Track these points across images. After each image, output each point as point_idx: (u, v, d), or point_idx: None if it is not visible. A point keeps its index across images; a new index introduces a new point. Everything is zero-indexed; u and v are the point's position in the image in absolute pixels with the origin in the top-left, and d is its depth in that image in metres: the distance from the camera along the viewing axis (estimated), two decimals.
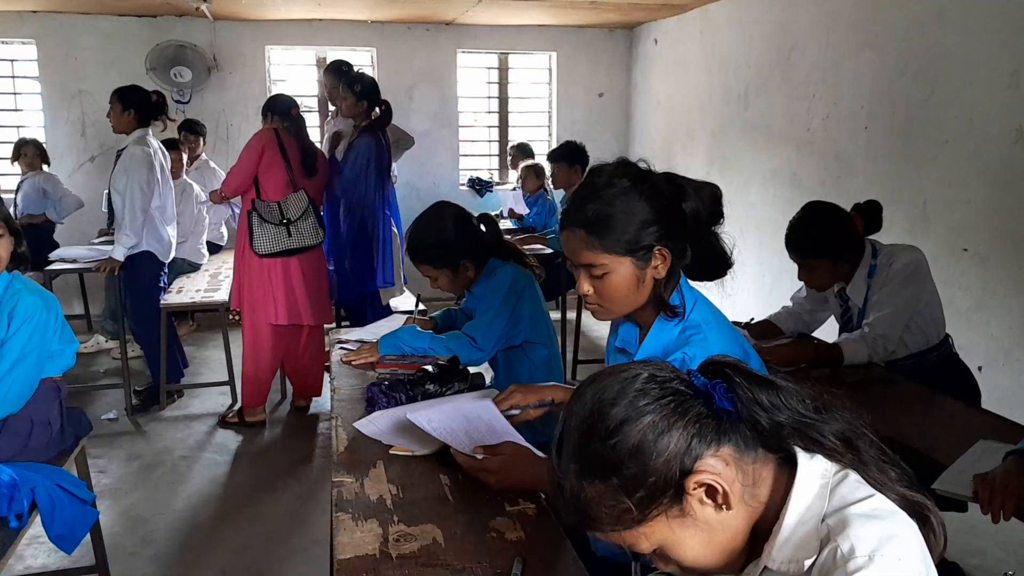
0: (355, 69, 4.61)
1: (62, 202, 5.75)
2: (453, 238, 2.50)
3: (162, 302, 4.43)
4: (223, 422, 4.32)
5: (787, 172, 4.95)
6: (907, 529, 0.89)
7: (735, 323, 2.89)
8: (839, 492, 0.92)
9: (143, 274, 4.36)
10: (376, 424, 1.97)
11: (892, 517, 0.89)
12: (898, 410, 2.23)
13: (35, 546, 3.03)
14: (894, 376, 2.50)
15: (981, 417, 2.24)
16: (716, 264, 1.57)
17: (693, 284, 1.61)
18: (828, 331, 2.93)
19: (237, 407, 4.40)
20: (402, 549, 1.45)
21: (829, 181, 4.54)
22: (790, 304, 2.95)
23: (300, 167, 4.13)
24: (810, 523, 0.91)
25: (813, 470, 0.94)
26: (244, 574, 2.94)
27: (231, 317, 4.55)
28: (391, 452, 1.86)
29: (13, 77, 6.44)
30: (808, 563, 0.89)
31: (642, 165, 1.55)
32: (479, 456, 1.68)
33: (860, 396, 2.26)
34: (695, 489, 0.92)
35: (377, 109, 4.30)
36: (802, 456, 0.95)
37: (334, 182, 4.30)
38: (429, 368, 2.27)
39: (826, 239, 2.54)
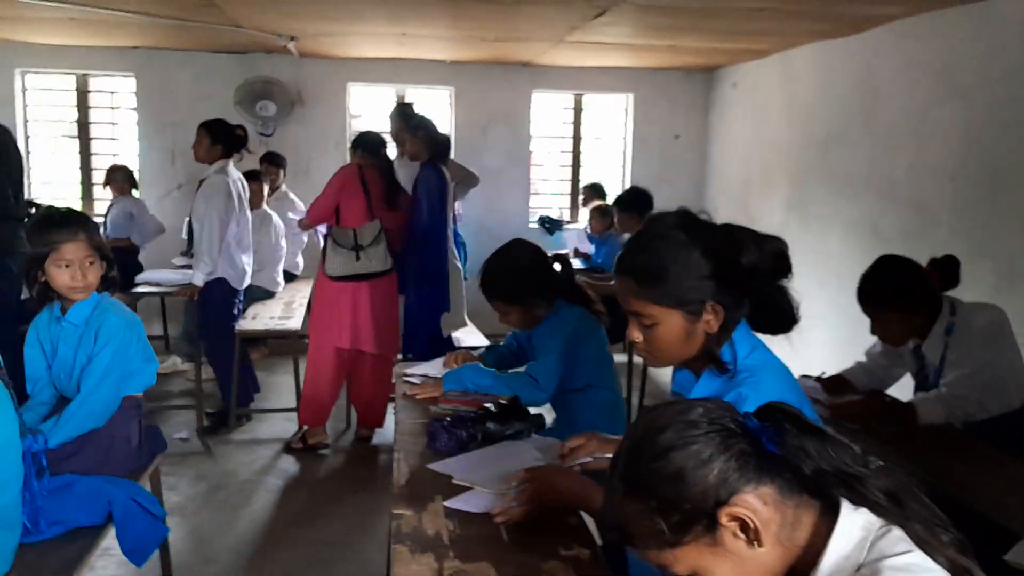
0: (415, 110, 4.77)
1: (146, 226, 6.02)
2: (528, 275, 2.51)
3: (236, 328, 4.56)
4: (288, 448, 4.40)
5: (868, 222, 4.82)
6: None
7: (806, 376, 2.82)
8: (879, 546, 0.92)
9: (217, 299, 4.50)
10: (446, 467, 1.98)
11: (926, 573, 0.89)
12: (973, 474, 2.12)
13: (106, 557, 3.11)
14: (971, 439, 2.38)
15: None
16: (779, 319, 1.55)
17: (758, 334, 1.58)
18: (902, 390, 2.82)
19: (302, 432, 4.48)
20: None
21: (912, 233, 4.40)
22: (864, 359, 2.86)
23: (382, 201, 4.30)
24: (846, 572, 0.92)
25: (856, 520, 0.95)
26: None
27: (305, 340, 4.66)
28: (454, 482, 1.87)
29: (112, 108, 6.82)
30: None
31: (703, 216, 1.54)
32: (514, 485, 1.68)
33: (933, 457, 2.18)
34: (728, 522, 0.95)
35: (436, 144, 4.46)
36: (846, 506, 0.96)
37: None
38: (490, 406, 2.27)
39: (897, 291, 2.49)
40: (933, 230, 4.21)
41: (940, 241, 4.13)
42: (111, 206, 6.05)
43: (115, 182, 6.00)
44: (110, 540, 2.19)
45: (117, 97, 6.84)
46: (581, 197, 6.83)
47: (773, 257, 1.52)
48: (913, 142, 4.40)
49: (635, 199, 5.08)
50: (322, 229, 4.79)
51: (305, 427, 4.46)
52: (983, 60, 3.90)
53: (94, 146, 6.82)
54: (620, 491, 1.00)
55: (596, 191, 6.61)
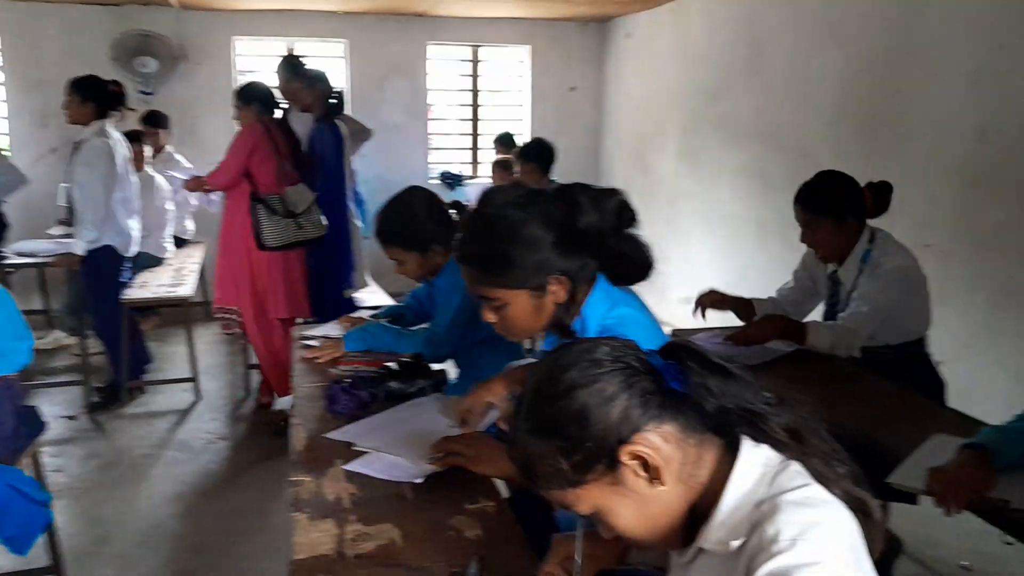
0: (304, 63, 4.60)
1: (2, 179, 5.54)
2: (424, 220, 2.46)
3: (124, 297, 4.35)
4: (275, 431, 4.08)
5: (755, 168, 4.97)
6: (837, 517, 0.90)
7: (709, 329, 2.87)
8: (778, 481, 0.94)
9: (104, 269, 4.27)
10: (346, 434, 1.93)
11: (823, 505, 0.91)
12: (861, 404, 2.24)
13: None
14: (860, 371, 2.51)
15: (940, 412, 2.26)
16: (634, 269, 1.56)
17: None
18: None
19: (274, 413, 4.28)
20: (359, 549, 1.43)
21: (797, 177, 4.53)
22: (775, 296, 2.94)
23: (290, 161, 4.09)
24: (745, 507, 0.93)
25: (755, 457, 0.96)
26: (205, 572, 2.90)
27: (228, 316, 4.24)
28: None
29: None
30: (736, 544, 0.92)
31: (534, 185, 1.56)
32: (433, 465, 1.68)
33: (825, 390, 2.30)
34: (630, 460, 0.95)
35: (329, 99, 4.30)
36: (746, 443, 0.97)
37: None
38: (392, 365, 2.25)
39: (835, 198, 2.58)
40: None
41: None
42: None
43: None
44: None
45: None
46: (493, 148, 6.72)
47: (614, 213, 1.53)
48: (797, 89, 4.54)
49: (538, 151, 5.07)
50: (214, 196, 4.58)
51: (277, 406, 4.30)
52: (859, 8, 4.05)
53: None
54: (524, 430, 1.00)
55: (505, 142, 6.55)
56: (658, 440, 0.95)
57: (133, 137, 4.81)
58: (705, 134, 5.55)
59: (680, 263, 5.58)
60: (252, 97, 4.13)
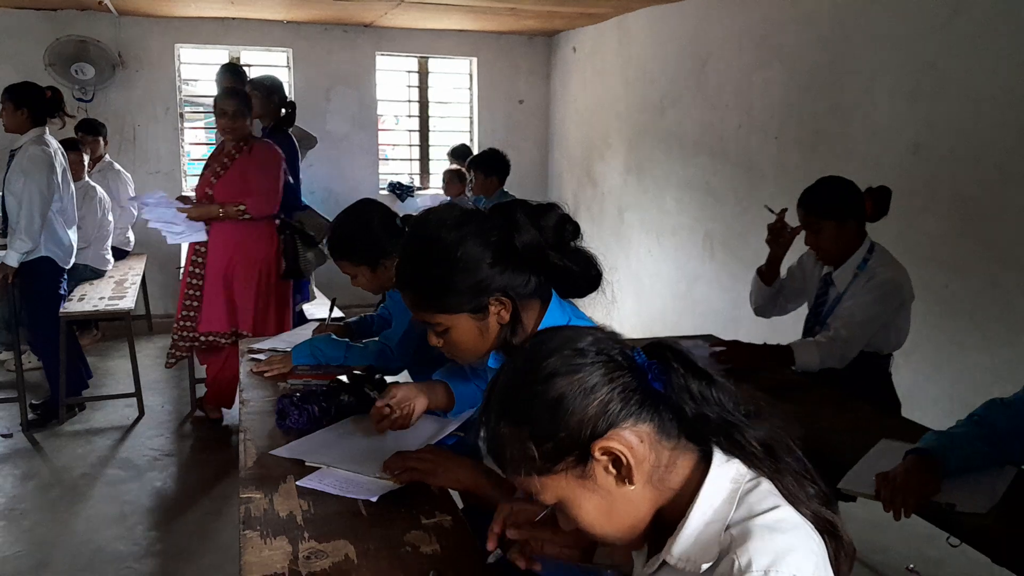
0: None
1: None
2: (377, 234, 2.44)
3: (62, 310, 4.21)
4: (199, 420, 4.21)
5: (701, 180, 5.07)
6: (807, 543, 0.89)
7: (695, 337, 2.89)
8: (748, 500, 0.92)
9: (41, 281, 4.13)
10: (295, 451, 1.89)
11: (794, 531, 0.89)
12: (813, 413, 2.29)
13: None
14: (810, 382, 2.57)
15: (886, 419, 2.32)
16: (582, 282, 1.54)
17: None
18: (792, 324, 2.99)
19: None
20: (312, 567, 1.40)
21: (742, 190, 4.67)
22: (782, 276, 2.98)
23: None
24: (714, 526, 0.92)
25: (725, 472, 0.95)
26: None
27: (220, 340, 4.05)
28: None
29: None
30: (705, 566, 0.90)
31: (468, 204, 1.55)
32: (389, 481, 1.66)
33: (774, 397, 2.33)
34: (602, 455, 0.93)
35: (283, 109, 4.26)
36: (718, 456, 0.96)
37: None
38: (343, 379, 2.21)
39: (839, 201, 2.64)
40: (761, 186, 4.49)
41: (766, 196, 4.39)
42: None
43: None
44: None
45: None
46: (448, 160, 6.70)
47: (553, 228, 1.51)
48: (740, 103, 4.65)
49: (492, 162, 5.08)
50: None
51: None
52: (798, 26, 4.16)
53: None
54: (497, 411, 0.98)
55: (459, 155, 6.51)
56: (633, 439, 0.93)
57: (71, 145, 4.68)
58: (651, 147, 5.63)
59: (628, 273, 5.65)
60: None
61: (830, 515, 0.95)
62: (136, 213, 5.42)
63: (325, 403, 2.06)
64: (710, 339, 2.92)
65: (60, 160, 4.15)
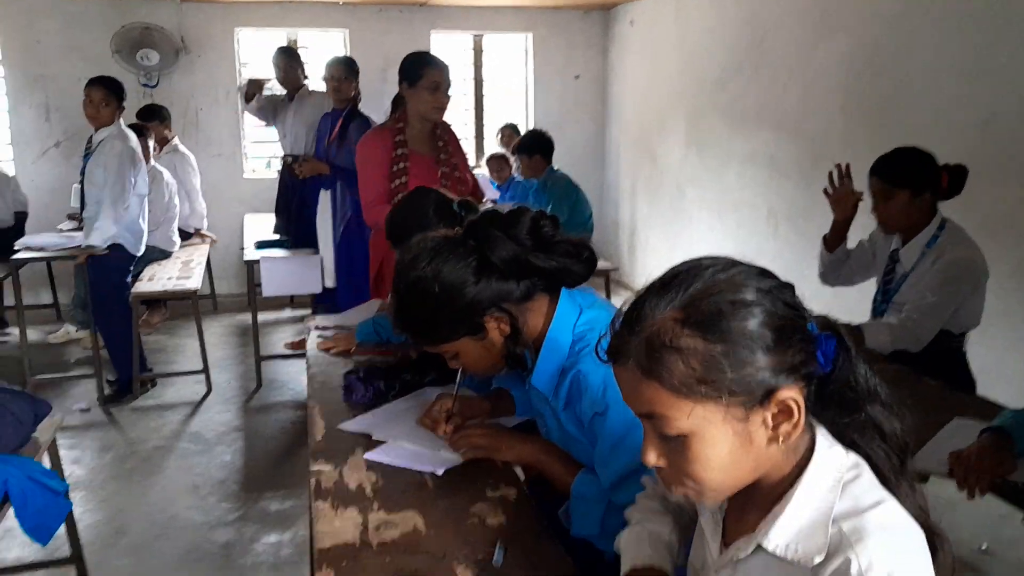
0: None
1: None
2: (433, 223, 2.46)
3: (133, 291, 4.36)
4: None
5: (764, 155, 4.96)
6: (920, 543, 0.86)
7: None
8: (852, 491, 0.88)
9: (112, 266, 4.27)
10: (361, 424, 1.93)
11: (906, 530, 0.86)
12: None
13: (8, 539, 2.98)
14: (882, 360, 2.50)
15: (960, 397, 2.25)
16: (576, 269, 1.53)
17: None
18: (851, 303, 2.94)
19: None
20: (383, 536, 1.43)
21: (806, 164, 4.56)
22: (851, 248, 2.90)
23: None
24: (818, 516, 0.88)
25: (830, 461, 0.90)
26: (221, 563, 2.91)
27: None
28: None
29: None
30: (818, 559, 0.85)
31: (440, 232, 1.55)
32: (455, 456, 1.68)
33: None
34: (776, 406, 0.87)
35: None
36: (823, 440, 0.92)
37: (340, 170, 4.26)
38: (410, 355, 2.25)
39: (913, 170, 2.56)
40: (825, 161, 4.36)
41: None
42: None
43: None
44: (10, 521, 2.09)
45: None
46: (501, 137, 6.70)
47: (528, 232, 1.50)
48: (803, 76, 4.53)
49: (537, 143, 5.06)
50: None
51: None
52: (859, 3, 4.03)
53: None
54: (673, 319, 0.89)
55: (516, 132, 6.51)
56: (802, 400, 0.88)
57: (138, 131, 4.81)
58: (712, 121, 5.53)
59: (688, 252, 5.54)
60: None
61: (937, 527, 0.91)
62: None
63: (389, 380, 2.10)
64: None
65: (139, 151, 4.28)
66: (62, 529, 2.39)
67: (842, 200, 2.79)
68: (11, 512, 2.06)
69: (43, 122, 6.17)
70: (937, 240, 2.56)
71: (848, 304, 3.13)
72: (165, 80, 6.28)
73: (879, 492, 0.89)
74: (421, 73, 3.21)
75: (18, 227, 5.45)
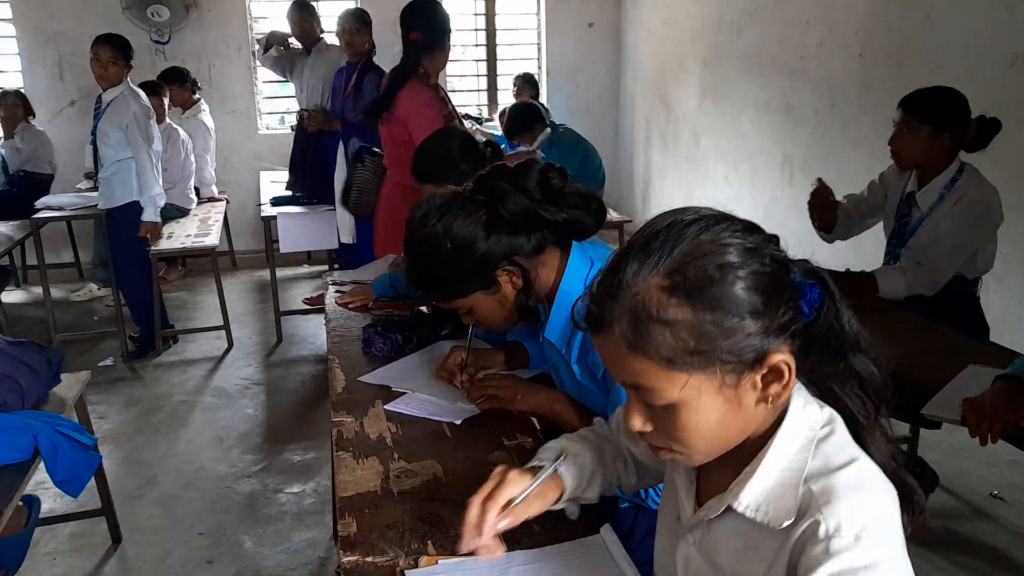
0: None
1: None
2: (457, 160, 2.47)
3: (153, 248, 4.40)
4: None
5: (780, 101, 4.89)
6: (890, 502, 0.84)
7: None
8: (824, 450, 0.86)
9: (130, 227, 4.29)
10: (381, 376, 1.97)
11: (877, 489, 0.84)
12: (895, 337, 2.21)
13: (40, 491, 3.06)
14: (893, 306, 2.50)
15: (974, 344, 2.25)
16: (587, 220, 1.52)
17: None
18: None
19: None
20: (403, 485, 1.47)
21: (823, 110, 4.49)
22: (843, 201, 2.86)
23: None
24: (789, 476, 0.85)
25: (803, 419, 0.88)
26: (247, 512, 3.00)
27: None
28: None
29: None
30: (787, 523, 0.83)
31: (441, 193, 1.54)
32: (473, 406, 1.72)
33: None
34: (767, 369, 0.84)
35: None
36: (796, 399, 0.89)
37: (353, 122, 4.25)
38: (424, 309, 2.27)
39: (944, 108, 2.52)
40: (843, 107, 4.31)
41: (850, 116, 4.24)
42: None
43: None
44: (41, 474, 2.15)
45: None
46: (515, 89, 6.63)
47: (537, 185, 1.50)
48: (821, 20, 4.43)
49: (524, 119, 4.85)
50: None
51: None
52: None
53: None
54: (657, 286, 0.84)
55: (530, 82, 6.44)
56: (792, 360, 0.85)
57: (151, 90, 4.80)
58: (728, 68, 5.44)
59: (704, 200, 5.49)
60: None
61: (910, 480, 0.89)
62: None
63: (407, 332, 2.13)
64: None
65: (151, 109, 4.29)
66: (92, 482, 2.46)
67: (822, 204, 2.77)
68: (42, 466, 2.12)
69: (57, 81, 6.17)
70: (956, 183, 2.52)
71: (864, 251, 3.12)
72: (177, 37, 6.24)
73: (851, 450, 0.86)
74: (446, 40, 3.67)
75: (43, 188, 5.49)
